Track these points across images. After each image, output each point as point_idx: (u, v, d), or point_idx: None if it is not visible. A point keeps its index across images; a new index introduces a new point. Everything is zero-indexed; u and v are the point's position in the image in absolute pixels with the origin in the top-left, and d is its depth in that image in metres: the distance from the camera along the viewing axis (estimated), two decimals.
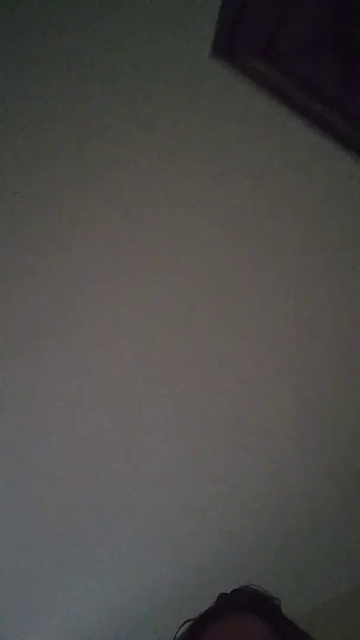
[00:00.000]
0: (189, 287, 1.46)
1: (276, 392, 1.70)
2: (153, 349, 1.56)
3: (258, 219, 1.32)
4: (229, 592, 0.92)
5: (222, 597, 0.91)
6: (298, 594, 2.05)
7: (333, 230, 1.37)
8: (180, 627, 0.90)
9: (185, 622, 0.90)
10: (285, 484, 1.90)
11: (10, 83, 1.06)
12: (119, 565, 1.99)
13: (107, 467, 1.74)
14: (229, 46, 0.83)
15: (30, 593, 1.99)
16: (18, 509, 1.77)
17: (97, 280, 1.40)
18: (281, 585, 2.01)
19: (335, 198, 1.24)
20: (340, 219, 1.32)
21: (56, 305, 1.43)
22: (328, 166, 1.10)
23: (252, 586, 0.91)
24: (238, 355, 1.62)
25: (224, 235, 1.36)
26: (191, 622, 0.89)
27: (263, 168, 1.12)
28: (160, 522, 1.91)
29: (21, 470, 1.69)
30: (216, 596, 0.94)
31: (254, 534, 2.00)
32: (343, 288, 1.51)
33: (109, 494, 1.80)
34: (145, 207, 1.29)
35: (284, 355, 1.63)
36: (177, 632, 0.90)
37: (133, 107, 1.09)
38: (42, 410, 1.60)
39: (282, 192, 1.21)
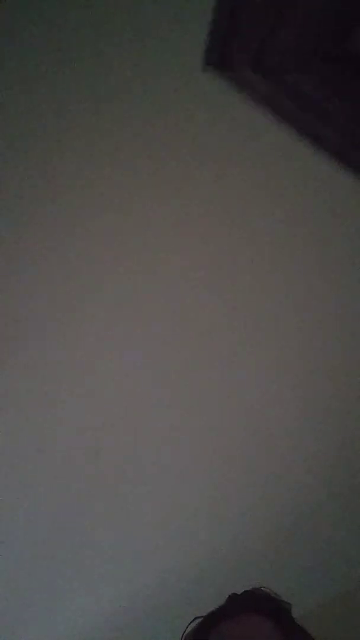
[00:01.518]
0: (190, 290, 1.46)
1: (277, 393, 1.69)
2: (153, 350, 1.56)
3: (256, 227, 1.33)
4: (239, 592, 0.91)
5: (233, 597, 0.90)
6: (298, 593, 2.05)
7: (331, 237, 1.37)
8: (189, 624, 0.89)
9: (194, 619, 0.90)
10: (286, 485, 1.90)
11: (8, 98, 1.07)
12: (120, 565, 1.99)
13: (108, 467, 1.74)
14: (221, 58, 0.84)
15: (30, 593, 1.99)
16: (17, 509, 1.77)
17: (97, 282, 1.41)
18: (281, 584, 2.03)
19: (331, 206, 1.25)
20: (338, 227, 1.32)
21: (56, 307, 1.42)
22: (324, 178, 1.11)
23: (263, 589, 0.91)
24: (239, 357, 1.61)
25: (224, 238, 1.36)
26: (201, 618, 0.89)
27: (258, 179, 1.13)
28: (162, 522, 1.90)
29: (20, 470, 1.69)
30: (226, 595, 0.93)
31: (254, 534, 2.00)
32: (344, 290, 1.52)
33: (110, 495, 1.80)
34: (145, 213, 1.29)
35: (285, 357, 1.63)
36: (185, 629, 0.90)
37: (126, 120, 1.10)
38: (41, 411, 1.59)
39: (278, 202, 1.22)
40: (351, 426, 1.80)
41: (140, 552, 1.97)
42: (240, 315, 1.53)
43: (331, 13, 0.72)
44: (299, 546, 2.04)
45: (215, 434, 1.75)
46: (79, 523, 1.85)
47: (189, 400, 1.67)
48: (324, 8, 0.70)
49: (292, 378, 1.66)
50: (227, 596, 0.92)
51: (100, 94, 1.05)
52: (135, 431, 1.69)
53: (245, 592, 0.90)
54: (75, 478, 1.74)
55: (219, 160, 1.06)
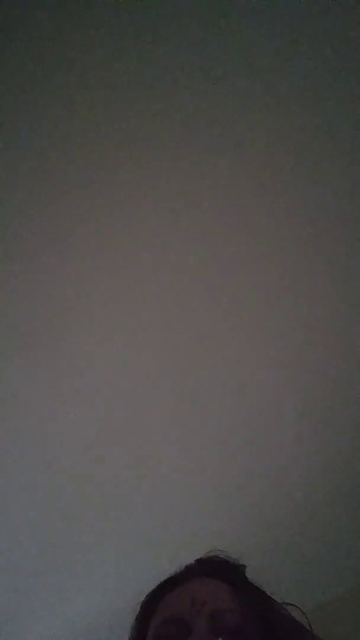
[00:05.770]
0: (189, 289, 1.45)
1: (276, 393, 1.69)
2: (153, 350, 1.55)
3: (259, 216, 1.32)
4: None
5: (187, 566, 0.86)
6: (297, 594, 2.05)
7: (335, 230, 1.36)
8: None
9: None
10: (286, 484, 1.89)
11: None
12: (115, 567, 1.99)
13: (106, 467, 1.74)
14: None
15: (27, 594, 1.98)
16: (16, 509, 1.76)
17: (96, 280, 1.40)
18: (282, 584, 2.01)
19: (333, 188, 1.24)
20: (341, 217, 1.31)
21: (56, 308, 1.42)
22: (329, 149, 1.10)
23: (219, 554, 0.87)
24: (239, 358, 1.61)
25: (224, 233, 1.36)
26: (152, 590, 0.84)
27: (264, 157, 1.11)
28: (160, 523, 1.90)
29: (19, 470, 1.68)
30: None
31: (254, 534, 2.00)
32: (344, 289, 1.51)
33: (108, 495, 1.80)
34: (145, 205, 1.28)
35: (285, 357, 1.62)
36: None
37: (133, 94, 1.08)
38: (41, 410, 1.58)
39: (283, 187, 1.21)
40: (351, 425, 1.79)
41: (140, 552, 1.97)
42: (241, 315, 1.53)
43: None
44: (299, 547, 2.04)
45: (216, 436, 1.74)
46: (78, 524, 1.85)
47: (189, 402, 1.66)
48: None
49: (293, 377, 1.66)
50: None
51: (104, 70, 1.03)
52: (134, 432, 1.68)
53: (199, 559, 0.87)
54: (75, 479, 1.73)
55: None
